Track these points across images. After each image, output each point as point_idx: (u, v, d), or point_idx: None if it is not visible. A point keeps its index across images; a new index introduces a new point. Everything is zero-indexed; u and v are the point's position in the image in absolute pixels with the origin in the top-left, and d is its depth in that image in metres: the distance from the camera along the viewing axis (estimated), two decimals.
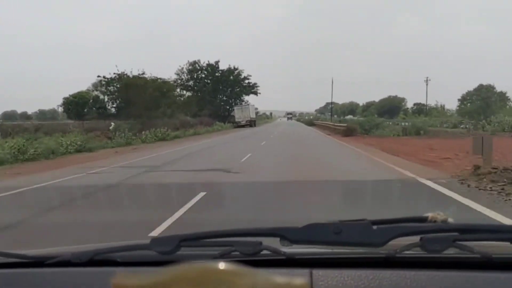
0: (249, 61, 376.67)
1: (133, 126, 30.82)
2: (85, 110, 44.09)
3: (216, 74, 64.07)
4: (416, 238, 0.94)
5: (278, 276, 0.59)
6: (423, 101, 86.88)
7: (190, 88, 63.58)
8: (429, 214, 1.01)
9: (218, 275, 0.58)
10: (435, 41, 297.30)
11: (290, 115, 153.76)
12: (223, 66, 64.88)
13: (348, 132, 25.77)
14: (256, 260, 0.93)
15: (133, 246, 1.06)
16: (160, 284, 0.59)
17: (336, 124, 36.89)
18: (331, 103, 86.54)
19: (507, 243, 1.00)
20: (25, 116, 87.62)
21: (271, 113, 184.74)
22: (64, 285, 1.01)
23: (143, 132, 27.04)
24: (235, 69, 65.24)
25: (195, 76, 64.61)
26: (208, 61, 64.32)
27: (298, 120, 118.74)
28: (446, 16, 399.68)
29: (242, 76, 66.20)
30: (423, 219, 1.01)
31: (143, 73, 40.99)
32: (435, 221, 0.99)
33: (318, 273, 0.91)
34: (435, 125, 42.68)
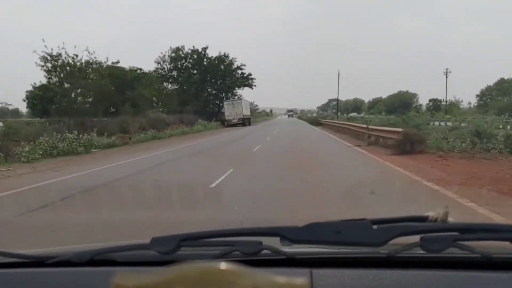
0: (250, 57, 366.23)
1: (55, 129, 19.36)
2: (54, 106, 34.06)
3: (204, 62, 52.41)
4: (416, 238, 0.92)
5: (278, 276, 0.59)
6: (432, 97, 77.10)
7: (172, 79, 52.02)
8: (430, 214, 0.99)
9: (218, 275, 0.59)
10: (441, 36, 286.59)
11: (290, 113, 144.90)
12: (212, 53, 53.24)
13: (406, 146, 12.53)
14: (256, 260, 0.93)
15: (134, 246, 1.05)
16: (160, 284, 0.58)
17: (372, 127, 19.12)
18: (337, 99, 74.93)
19: (507, 243, 0.98)
20: (16, 112, 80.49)
21: (271, 110, 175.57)
22: (64, 285, 1.00)
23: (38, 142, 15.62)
24: (226, 56, 53.51)
25: (179, 66, 52.84)
26: (194, 47, 52.55)
27: (299, 117, 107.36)
28: (451, 11, 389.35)
29: (235, 66, 54.54)
30: (424, 219, 0.99)
31: (117, 62, 32.60)
32: (435, 221, 0.98)
33: (319, 272, 0.91)
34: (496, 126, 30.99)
